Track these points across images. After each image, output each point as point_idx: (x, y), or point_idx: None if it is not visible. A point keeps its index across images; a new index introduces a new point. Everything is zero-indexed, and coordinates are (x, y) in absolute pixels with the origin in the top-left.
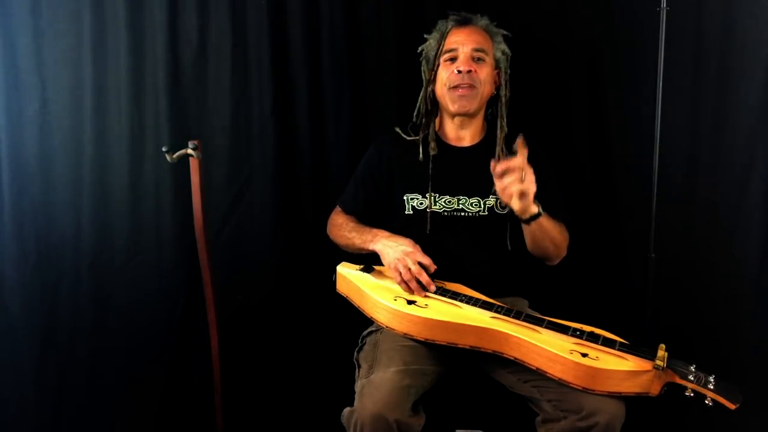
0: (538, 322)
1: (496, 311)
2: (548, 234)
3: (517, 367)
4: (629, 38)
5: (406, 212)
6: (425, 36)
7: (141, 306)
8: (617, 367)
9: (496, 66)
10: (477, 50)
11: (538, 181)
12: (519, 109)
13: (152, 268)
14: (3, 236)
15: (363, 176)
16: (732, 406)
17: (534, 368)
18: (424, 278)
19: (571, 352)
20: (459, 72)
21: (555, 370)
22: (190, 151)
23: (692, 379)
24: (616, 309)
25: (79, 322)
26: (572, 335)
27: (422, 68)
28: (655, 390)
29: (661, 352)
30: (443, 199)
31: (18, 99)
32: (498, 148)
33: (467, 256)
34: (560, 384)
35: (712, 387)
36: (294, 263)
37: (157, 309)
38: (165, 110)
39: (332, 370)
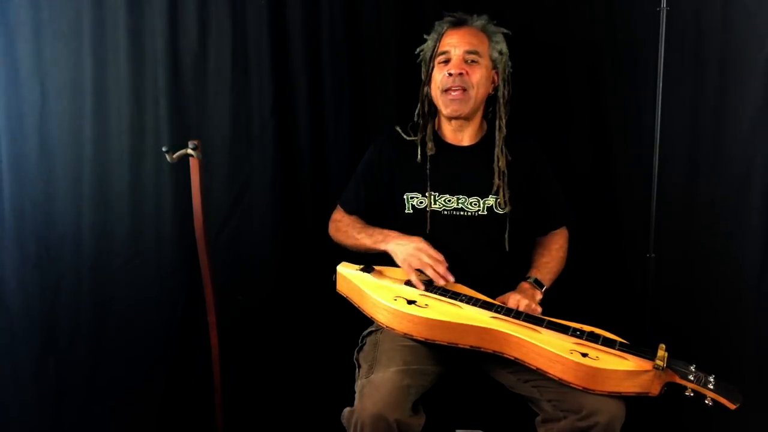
0: (538, 322)
1: (496, 311)
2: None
3: (517, 367)
4: (629, 38)
5: (407, 211)
6: (425, 36)
7: (141, 306)
8: (617, 367)
9: (493, 66)
10: (470, 52)
11: (541, 190)
12: (519, 109)
13: (152, 268)
14: (3, 237)
15: (364, 175)
16: (732, 406)
17: (534, 368)
18: (441, 269)
19: (571, 352)
20: (450, 75)
21: (555, 370)
22: (190, 151)
23: (692, 379)
24: (616, 309)
25: (79, 323)
26: (572, 335)
27: (422, 68)
28: (655, 390)
29: (661, 352)
30: (443, 199)
31: (18, 99)
32: (497, 149)
33: (467, 255)
34: (560, 384)
35: (712, 387)
36: (294, 263)
37: (157, 309)
38: (165, 110)
39: (332, 370)
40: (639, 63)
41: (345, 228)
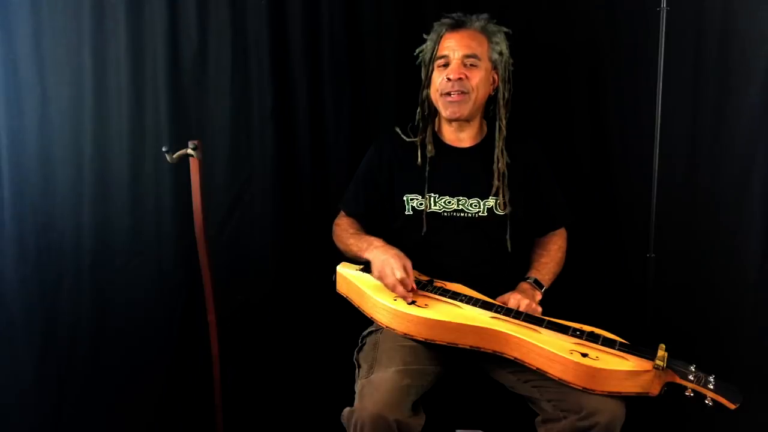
0: (538, 322)
1: (496, 311)
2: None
3: (517, 367)
4: (629, 38)
5: (406, 213)
6: (425, 36)
7: (141, 306)
8: (617, 367)
9: (493, 67)
10: (468, 56)
11: (541, 191)
12: (519, 109)
13: (152, 267)
14: (3, 236)
15: (364, 177)
16: (732, 406)
17: (534, 368)
18: (399, 291)
19: (571, 352)
20: (449, 80)
21: (555, 370)
22: (190, 151)
23: (692, 378)
24: (616, 309)
25: (79, 322)
26: (572, 335)
27: (422, 70)
28: (655, 390)
29: (661, 352)
30: (443, 200)
31: (18, 99)
32: (497, 151)
33: (467, 256)
34: (560, 384)
35: (712, 387)
36: (294, 263)
37: (157, 308)
38: (165, 110)
39: (332, 370)
40: (639, 63)
41: (340, 232)
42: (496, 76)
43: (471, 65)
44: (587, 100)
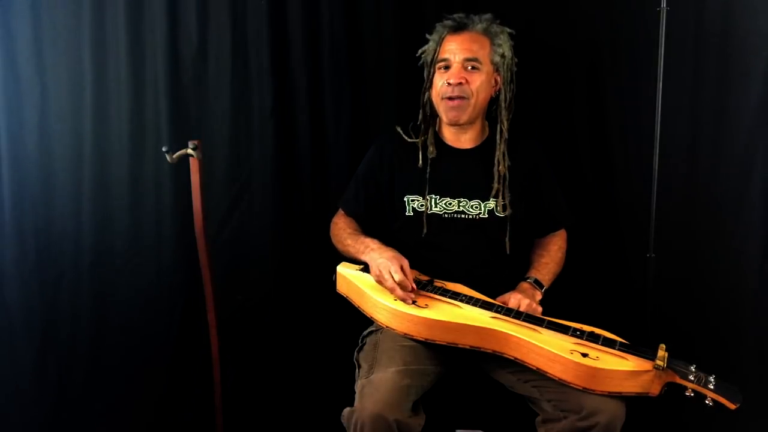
0: (538, 322)
1: (496, 311)
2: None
3: (517, 367)
4: (629, 38)
5: (407, 214)
6: (427, 36)
7: (141, 306)
8: (617, 367)
9: (495, 69)
10: (469, 60)
11: (541, 192)
12: (519, 110)
13: (152, 267)
14: (3, 235)
15: (364, 176)
16: (732, 406)
17: (534, 368)
18: (398, 294)
19: (572, 352)
20: (449, 84)
21: (555, 370)
22: (190, 151)
23: (692, 379)
24: (616, 309)
25: (79, 322)
26: (572, 335)
27: (424, 71)
28: (655, 390)
29: (661, 352)
30: (444, 202)
31: (18, 99)
32: (498, 153)
33: (467, 257)
34: (560, 384)
35: (712, 387)
36: (294, 263)
37: (157, 308)
38: (165, 110)
39: (332, 370)
40: (639, 63)
41: (338, 233)
42: (498, 78)
43: (472, 68)
44: (587, 100)
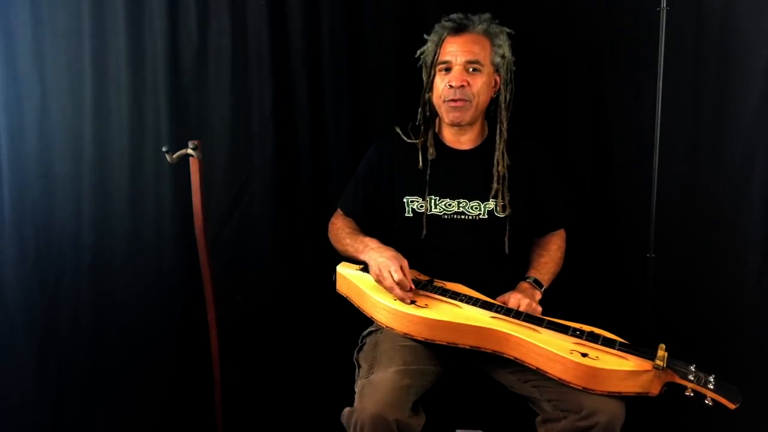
0: (538, 322)
1: (496, 311)
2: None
3: (517, 366)
4: (629, 38)
5: (407, 214)
6: (425, 36)
7: (141, 306)
8: (617, 366)
9: (495, 70)
10: (471, 62)
11: (541, 192)
12: (519, 110)
13: (152, 267)
14: (3, 236)
15: (363, 177)
16: (732, 406)
17: (534, 368)
18: (397, 293)
19: (571, 351)
20: (451, 87)
21: (555, 370)
22: (190, 151)
23: (692, 378)
24: (616, 309)
25: (79, 322)
26: (572, 335)
27: (423, 72)
28: (655, 390)
29: (661, 352)
30: (443, 203)
31: (18, 99)
32: (497, 154)
33: (467, 258)
34: (560, 384)
35: (712, 387)
36: (294, 263)
37: (157, 308)
38: (165, 110)
39: (332, 370)
40: (639, 63)
41: (336, 232)
42: (498, 79)
43: (473, 70)
44: (587, 100)
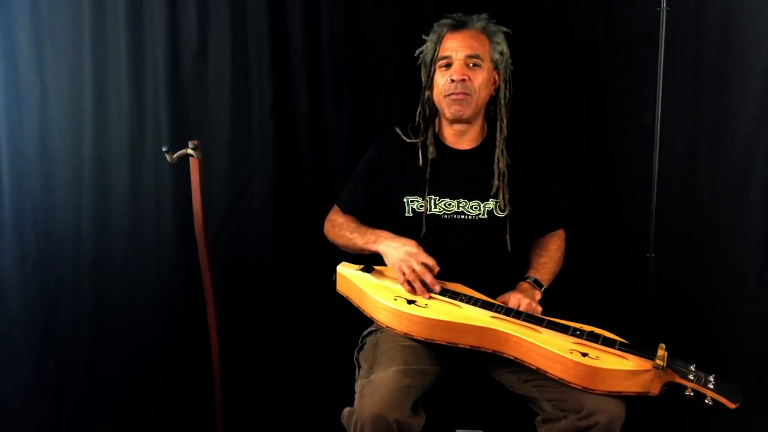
0: (538, 322)
1: (496, 311)
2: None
3: (517, 366)
4: (629, 38)
5: (407, 214)
6: (424, 37)
7: (141, 306)
8: (617, 366)
9: (494, 67)
10: (471, 57)
11: (540, 192)
12: (519, 110)
13: (152, 267)
14: (3, 236)
15: (363, 176)
16: (732, 406)
17: (534, 368)
18: (429, 279)
19: (571, 351)
20: (453, 81)
21: (555, 370)
22: (190, 151)
23: (692, 378)
24: (616, 309)
25: (79, 322)
26: (572, 335)
27: (422, 71)
28: (655, 389)
29: (661, 352)
30: (443, 202)
31: (18, 99)
32: (497, 151)
33: (467, 258)
34: (560, 384)
35: (712, 386)
36: (294, 263)
37: (157, 309)
38: (165, 110)
39: (332, 370)
40: (639, 63)
41: (338, 227)
42: (497, 77)
43: (474, 65)
44: (587, 100)
